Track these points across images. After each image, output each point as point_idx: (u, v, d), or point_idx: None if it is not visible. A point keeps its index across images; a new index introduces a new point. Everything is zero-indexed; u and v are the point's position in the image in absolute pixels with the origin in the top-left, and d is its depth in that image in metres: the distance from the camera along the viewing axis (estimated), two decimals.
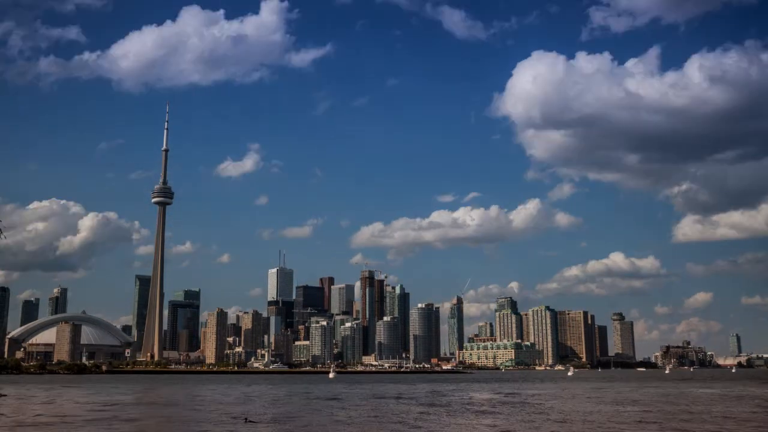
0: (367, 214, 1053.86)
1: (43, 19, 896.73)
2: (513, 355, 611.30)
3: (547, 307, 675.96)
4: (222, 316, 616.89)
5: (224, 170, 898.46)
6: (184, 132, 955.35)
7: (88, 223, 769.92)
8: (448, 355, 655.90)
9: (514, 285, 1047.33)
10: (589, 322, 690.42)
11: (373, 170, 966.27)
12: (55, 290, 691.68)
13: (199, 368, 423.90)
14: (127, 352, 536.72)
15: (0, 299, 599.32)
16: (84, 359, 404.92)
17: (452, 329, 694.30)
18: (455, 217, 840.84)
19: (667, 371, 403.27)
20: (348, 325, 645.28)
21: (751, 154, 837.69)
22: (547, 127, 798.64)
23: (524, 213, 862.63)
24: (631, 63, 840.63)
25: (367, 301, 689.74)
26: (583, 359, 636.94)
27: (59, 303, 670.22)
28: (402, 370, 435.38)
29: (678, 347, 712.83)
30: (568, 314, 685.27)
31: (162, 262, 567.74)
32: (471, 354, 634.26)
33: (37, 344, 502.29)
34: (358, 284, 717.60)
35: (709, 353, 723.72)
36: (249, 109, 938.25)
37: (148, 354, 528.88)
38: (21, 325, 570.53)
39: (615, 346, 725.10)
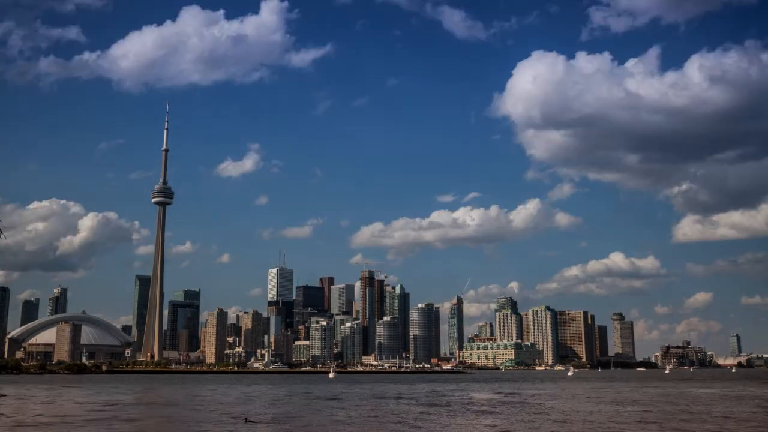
0: (367, 214, 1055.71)
1: (43, 19, 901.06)
2: (513, 355, 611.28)
3: (547, 307, 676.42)
4: (222, 316, 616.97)
5: (224, 170, 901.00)
6: (184, 132, 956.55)
7: (88, 223, 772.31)
8: (448, 355, 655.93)
9: (514, 285, 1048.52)
10: (589, 322, 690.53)
11: (373, 170, 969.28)
12: (55, 290, 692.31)
13: (199, 368, 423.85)
14: (127, 352, 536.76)
15: (0, 299, 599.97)
16: (84, 359, 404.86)
17: (452, 329, 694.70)
18: (455, 217, 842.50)
19: (667, 371, 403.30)
20: (348, 325, 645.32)
21: (751, 154, 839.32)
22: (547, 127, 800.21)
23: (524, 213, 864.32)
24: (630, 63, 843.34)
25: (367, 301, 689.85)
26: (583, 359, 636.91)
27: (59, 303, 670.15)
28: (402, 370, 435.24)
29: (678, 347, 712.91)
30: (568, 314, 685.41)
31: (162, 262, 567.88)
32: (471, 354, 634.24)
33: (37, 344, 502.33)
34: (358, 284, 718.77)
35: (709, 353, 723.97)
36: (249, 109, 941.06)
37: (148, 354, 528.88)
38: (21, 325, 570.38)
39: (615, 346, 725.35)
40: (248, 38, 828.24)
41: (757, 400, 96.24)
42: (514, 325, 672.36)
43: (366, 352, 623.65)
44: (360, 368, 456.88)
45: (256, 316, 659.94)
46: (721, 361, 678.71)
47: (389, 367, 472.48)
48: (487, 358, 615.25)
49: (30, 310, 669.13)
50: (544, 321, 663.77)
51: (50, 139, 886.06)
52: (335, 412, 74.51)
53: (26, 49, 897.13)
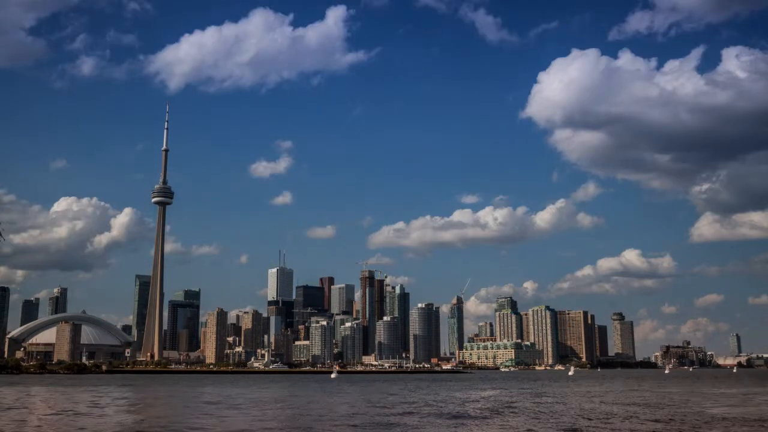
0: (391, 214, 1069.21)
1: (95, 22, 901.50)
2: (513, 354, 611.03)
3: (547, 307, 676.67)
4: (222, 316, 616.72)
5: (255, 170, 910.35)
6: (218, 132, 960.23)
7: (119, 222, 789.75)
8: (448, 354, 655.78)
9: (528, 285, 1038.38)
10: (589, 321, 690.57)
11: (399, 171, 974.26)
12: (56, 290, 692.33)
13: (199, 368, 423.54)
14: (127, 352, 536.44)
15: (0, 299, 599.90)
16: (84, 359, 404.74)
17: (452, 329, 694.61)
18: (477, 217, 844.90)
19: (667, 371, 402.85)
20: (348, 324, 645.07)
21: None
22: (578, 128, 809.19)
23: (549, 214, 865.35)
24: (666, 63, 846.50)
25: (367, 301, 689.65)
26: (583, 359, 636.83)
27: (59, 303, 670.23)
28: (403, 369, 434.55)
29: (678, 347, 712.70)
30: (568, 314, 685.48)
31: (162, 262, 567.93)
32: (471, 354, 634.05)
33: (37, 344, 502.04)
34: (358, 284, 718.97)
35: (709, 353, 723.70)
36: (286, 111, 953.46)
37: (148, 354, 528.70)
38: (21, 325, 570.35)
39: (615, 345, 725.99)
40: (303, 42, 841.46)
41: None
42: (514, 324, 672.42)
43: (366, 352, 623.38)
44: (360, 368, 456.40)
45: (256, 316, 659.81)
46: (721, 361, 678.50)
47: (389, 367, 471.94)
48: (487, 358, 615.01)
49: (30, 309, 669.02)
50: (544, 321, 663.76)
51: (82, 139, 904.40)
52: None
53: (79, 50, 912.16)
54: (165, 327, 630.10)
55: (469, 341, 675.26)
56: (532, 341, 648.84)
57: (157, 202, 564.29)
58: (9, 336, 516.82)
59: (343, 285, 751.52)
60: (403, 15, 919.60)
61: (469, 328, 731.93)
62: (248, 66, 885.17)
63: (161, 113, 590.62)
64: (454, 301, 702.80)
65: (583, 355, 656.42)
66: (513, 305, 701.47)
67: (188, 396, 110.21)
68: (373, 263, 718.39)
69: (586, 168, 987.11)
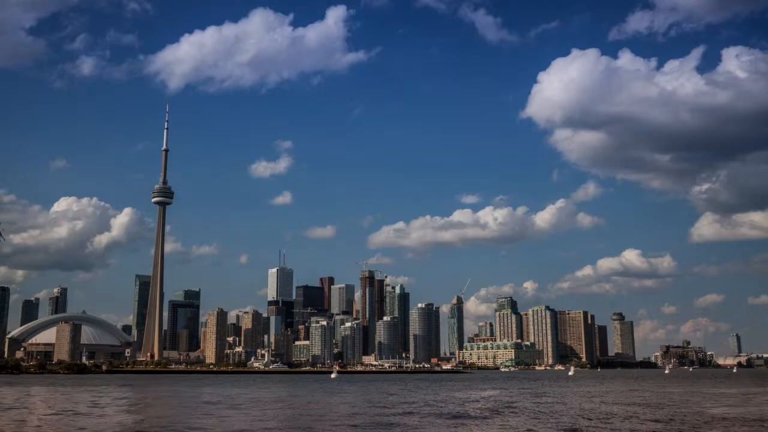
0: (391, 214, 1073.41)
1: (95, 22, 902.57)
2: (513, 354, 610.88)
3: (547, 307, 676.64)
4: (222, 316, 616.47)
5: (255, 170, 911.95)
6: (217, 132, 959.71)
7: (119, 222, 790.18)
8: (448, 354, 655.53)
9: (528, 285, 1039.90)
10: (589, 321, 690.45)
11: (400, 171, 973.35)
12: (56, 290, 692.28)
13: (199, 368, 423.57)
14: (127, 352, 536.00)
15: (0, 299, 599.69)
16: (84, 359, 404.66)
17: (452, 329, 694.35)
18: (477, 217, 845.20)
19: (666, 371, 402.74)
20: (348, 325, 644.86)
21: None
22: (578, 128, 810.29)
23: (549, 214, 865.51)
24: (666, 63, 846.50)
25: (367, 301, 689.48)
26: (583, 359, 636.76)
27: (59, 303, 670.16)
28: (403, 369, 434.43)
29: (678, 347, 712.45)
30: (568, 314, 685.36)
31: (162, 262, 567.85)
32: (471, 354, 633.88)
33: (37, 344, 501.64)
34: (358, 284, 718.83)
35: (709, 353, 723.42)
36: (286, 111, 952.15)
37: (148, 354, 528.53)
38: (21, 325, 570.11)
39: (615, 345, 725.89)
40: (303, 42, 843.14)
41: None
42: (514, 324, 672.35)
43: (366, 352, 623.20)
44: (360, 368, 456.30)
45: (256, 316, 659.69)
46: (721, 361, 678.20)
47: (389, 366, 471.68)
48: (487, 358, 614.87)
49: (30, 309, 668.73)
50: (544, 321, 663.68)
51: (82, 139, 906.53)
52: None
53: (78, 51, 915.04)
54: (165, 327, 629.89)
55: (469, 341, 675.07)
56: (532, 341, 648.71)
57: (157, 202, 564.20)
58: (9, 336, 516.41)
59: (343, 285, 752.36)
60: (403, 15, 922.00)
61: (469, 328, 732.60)
62: (248, 66, 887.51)
63: (161, 113, 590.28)
64: (454, 301, 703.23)
65: (583, 355, 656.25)
66: (513, 305, 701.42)
67: (188, 396, 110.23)
68: (373, 263, 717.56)
69: (586, 168, 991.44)
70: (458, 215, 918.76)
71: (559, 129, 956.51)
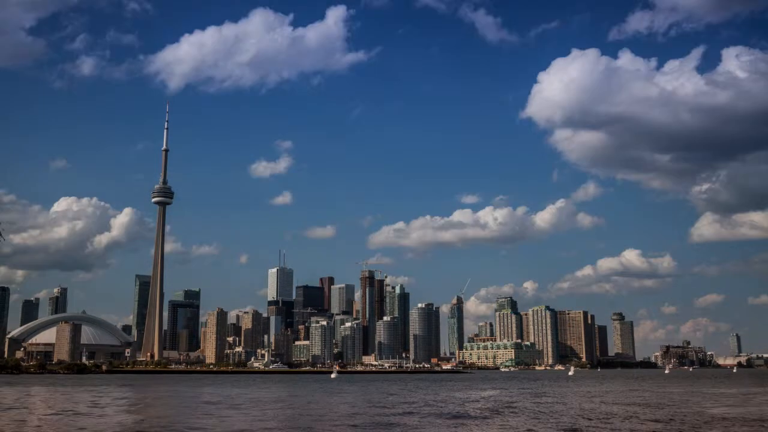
0: (391, 214, 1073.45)
1: (95, 22, 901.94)
2: (513, 354, 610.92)
3: (547, 307, 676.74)
4: (222, 316, 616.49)
5: (255, 170, 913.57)
6: (218, 132, 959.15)
7: (119, 221, 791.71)
8: (448, 354, 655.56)
9: (528, 285, 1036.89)
10: (589, 321, 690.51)
11: (400, 171, 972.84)
12: (56, 290, 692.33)
13: (199, 368, 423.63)
14: (127, 352, 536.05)
15: (0, 299, 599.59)
16: (84, 359, 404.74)
17: (452, 329, 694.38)
18: (477, 217, 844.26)
19: (666, 371, 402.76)
20: (348, 325, 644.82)
21: None
22: (578, 128, 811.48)
23: (549, 214, 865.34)
24: (666, 63, 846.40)
25: (367, 301, 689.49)
26: (583, 359, 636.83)
27: (59, 303, 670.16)
28: (403, 369, 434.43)
29: (678, 347, 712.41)
30: (568, 314, 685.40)
31: (162, 262, 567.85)
32: (471, 354, 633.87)
33: (37, 344, 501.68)
34: (358, 284, 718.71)
35: (709, 353, 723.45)
36: (286, 110, 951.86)
37: (148, 354, 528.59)
38: (21, 325, 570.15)
39: (615, 345, 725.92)
40: (303, 42, 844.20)
41: None
42: (514, 324, 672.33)
43: (366, 352, 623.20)
44: (360, 368, 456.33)
45: (256, 316, 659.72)
46: (721, 361, 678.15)
47: (389, 366, 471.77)
48: (487, 358, 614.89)
49: (30, 309, 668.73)
50: (544, 321, 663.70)
51: (82, 139, 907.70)
52: None
53: (79, 51, 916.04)
54: (165, 327, 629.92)
55: (469, 341, 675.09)
56: (532, 341, 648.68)
57: (157, 202, 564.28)
58: (9, 336, 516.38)
59: (343, 285, 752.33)
60: (402, 15, 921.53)
61: (470, 328, 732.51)
62: (248, 66, 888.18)
63: (161, 113, 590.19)
64: (454, 301, 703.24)
65: (583, 355, 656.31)
66: (513, 305, 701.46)
67: (188, 396, 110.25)
68: (373, 263, 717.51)
69: (586, 168, 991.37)
70: (458, 215, 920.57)
71: (559, 129, 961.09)
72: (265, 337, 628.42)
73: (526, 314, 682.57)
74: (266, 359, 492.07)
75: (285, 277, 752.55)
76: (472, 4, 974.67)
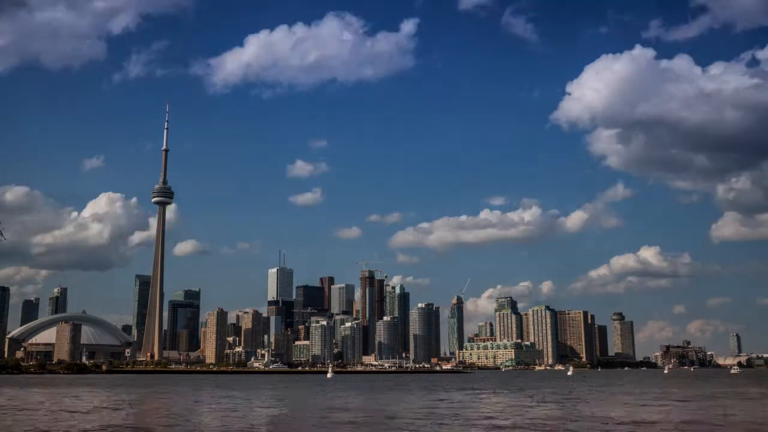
0: (417, 215, 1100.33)
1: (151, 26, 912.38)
2: (513, 354, 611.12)
3: (547, 307, 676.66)
4: (222, 315, 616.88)
5: (291, 170, 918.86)
6: (250, 133, 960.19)
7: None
8: (448, 354, 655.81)
9: (546, 285, 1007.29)
10: (589, 321, 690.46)
11: (431, 171, 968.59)
12: (56, 290, 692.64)
13: (199, 368, 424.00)
14: (127, 352, 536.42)
15: (0, 299, 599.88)
16: (84, 359, 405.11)
17: (452, 329, 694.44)
18: (504, 218, 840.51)
19: (666, 371, 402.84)
20: (348, 324, 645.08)
21: None
22: (609, 129, 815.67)
23: (578, 215, 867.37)
24: (702, 64, 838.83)
25: (367, 300, 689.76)
26: (583, 359, 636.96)
27: (59, 303, 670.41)
28: (403, 369, 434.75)
29: (678, 347, 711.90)
30: (568, 314, 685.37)
31: (162, 262, 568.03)
32: (471, 354, 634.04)
33: (37, 344, 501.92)
34: (358, 284, 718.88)
35: (709, 353, 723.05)
36: (321, 113, 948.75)
37: (148, 354, 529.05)
38: (21, 325, 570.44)
39: (615, 345, 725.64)
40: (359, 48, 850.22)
41: None
42: (514, 324, 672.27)
43: (366, 352, 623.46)
44: (360, 368, 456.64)
45: (256, 316, 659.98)
46: (721, 361, 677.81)
47: (389, 367, 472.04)
48: (487, 358, 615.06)
49: (30, 309, 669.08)
50: (543, 321, 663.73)
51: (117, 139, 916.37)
52: None
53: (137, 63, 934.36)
54: (165, 327, 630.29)
55: (469, 341, 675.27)
56: (532, 341, 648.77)
57: (157, 202, 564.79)
58: (9, 336, 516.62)
59: (343, 285, 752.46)
60: (442, 22, 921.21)
61: (470, 329, 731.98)
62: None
63: (162, 113, 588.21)
64: (454, 301, 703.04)
65: (583, 355, 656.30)
66: (513, 305, 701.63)
67: (188, 396, 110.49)
68: (373, 263, 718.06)
69: (617, 169, 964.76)
70: (485, 216, 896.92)
71: (592, 130, 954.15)
72: (265, 337, 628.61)
73: (526, 314, 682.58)
74: (266, 359, 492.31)
75: (285, 277, 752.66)
76: (510, 9, 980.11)
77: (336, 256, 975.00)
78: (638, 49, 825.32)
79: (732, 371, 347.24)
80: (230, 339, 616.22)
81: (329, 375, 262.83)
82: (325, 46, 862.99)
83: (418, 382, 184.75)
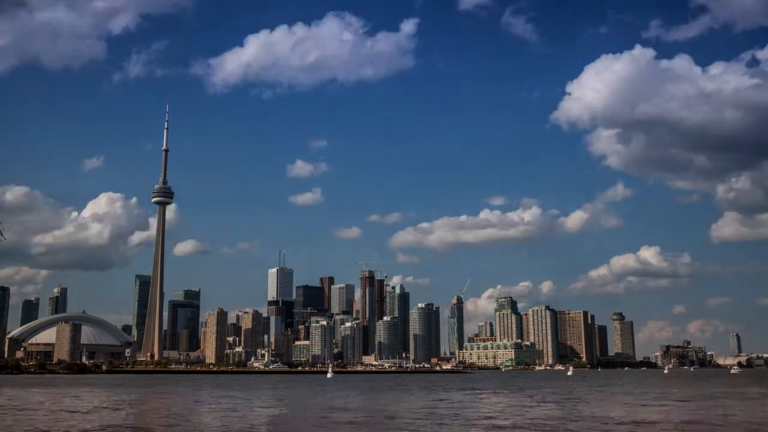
0: (416, 216, 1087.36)
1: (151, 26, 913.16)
2: (513, 354, 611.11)
3: (547, 307, 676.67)
4: (222, 315, 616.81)
5: (291, 170, 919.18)
6: (251, 132, 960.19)
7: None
8: (448, 354, 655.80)
9: (546, 285, 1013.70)
10: (589, 321, 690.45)
11: (429, 172, 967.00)
12: (56, 290, 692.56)
13: (199, 368, 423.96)
14: (127, 352, 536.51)
15: (0, 299, 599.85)
16: (84, 359, 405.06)
17: (452, 329, 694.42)
18: (503, 218, 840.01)
19: (666, 371, 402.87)
20: (348, 324, 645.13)
21: None
22: (609, 129, 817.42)
23: (578, 216, 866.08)
24: (702, 64, 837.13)
25: (367, 300, 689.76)
26: (583, 359, 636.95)
27: (59, 303, 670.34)
28: (403, 369, 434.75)
29: (678, 347, 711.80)
30: (568, 314, 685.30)
31: (162, 262, 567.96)
32: (471, 354, 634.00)
33: (37, 344, 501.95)
34: (358, 284, 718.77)
35: (709, 353, 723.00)
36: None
37: (148, 354, 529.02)
38: (21, 325, 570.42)
39: (615, 345, 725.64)
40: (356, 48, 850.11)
41: None
42: (514, 324, 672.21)
43: (366, 352, 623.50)
44: (360, 368, 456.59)
45: (256, 315, 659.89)
46: (721, 361, 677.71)
47: (389, 367, 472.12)
48: (487, 358, 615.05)
49: (30, 309, 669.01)
50: (543, 321, 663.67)
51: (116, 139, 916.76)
52: None
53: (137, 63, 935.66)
54: (165, 327, 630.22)
55: (469, 341, 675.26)
56: (532, 341, 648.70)
57: (157, 202, 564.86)
58: (9, 336, 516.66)
59: (343, 285, 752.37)
60: (442, 22, 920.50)
61: (470, 329, 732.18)
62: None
63: (162, 113, 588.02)
64: (454, 301, 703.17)
65: (583, 355, 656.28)
66: (513, 305, 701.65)
67: (188, 396, 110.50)
68: (373, 262, 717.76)
69: (617, 169, 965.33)
70: (485, 216, 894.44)
71: (591, 130, 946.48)
72: (265, 337, 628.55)
73: (526, 314, 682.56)
74: (266, 359, 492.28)
75: (285, 277, 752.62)
76: (509, 9, 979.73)
77: (336, 256, 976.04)
78: (638, 49, 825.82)
79: (732, 371, 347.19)
80: (230, 339, 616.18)
81: (329, 375, 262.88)
82: (325, 46, 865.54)
83: (418, 382, 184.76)
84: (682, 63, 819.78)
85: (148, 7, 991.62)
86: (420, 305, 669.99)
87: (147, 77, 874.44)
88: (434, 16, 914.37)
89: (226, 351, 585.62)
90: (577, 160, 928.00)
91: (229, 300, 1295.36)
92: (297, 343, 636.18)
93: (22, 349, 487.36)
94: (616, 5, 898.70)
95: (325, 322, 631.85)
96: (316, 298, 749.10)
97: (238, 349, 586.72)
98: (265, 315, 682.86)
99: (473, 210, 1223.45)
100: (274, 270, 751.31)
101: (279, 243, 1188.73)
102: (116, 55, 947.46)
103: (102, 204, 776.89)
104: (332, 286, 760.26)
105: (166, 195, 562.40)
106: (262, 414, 71.74)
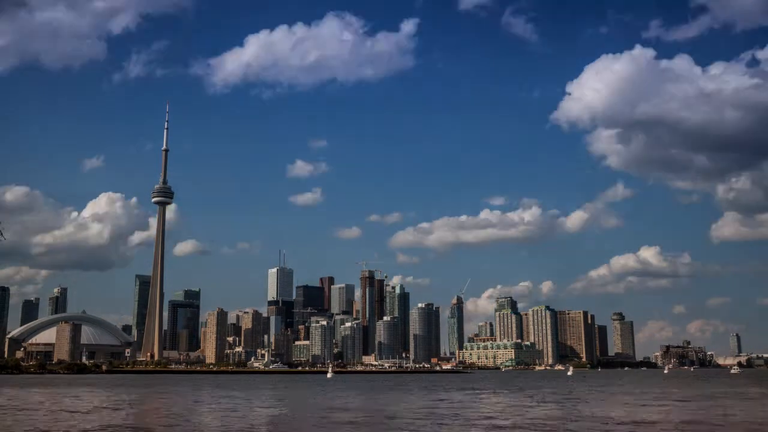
0: (416, 216, 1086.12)
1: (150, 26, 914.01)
2: (513, 354, 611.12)
3: (547, 307, 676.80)
4: (222, 315, 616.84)
5: (291, 170, 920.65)
6: (252, 132, 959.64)
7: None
8: (448, 354, 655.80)
9: (546, 285, 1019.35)
10: (589, 321, 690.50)
11: (429, 172, 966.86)
12: (56, 290, 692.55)
13: (199, 368, 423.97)
14: (127, 352, 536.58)
15: (0, 299, 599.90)
16: (84, 359, 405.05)
17: (452, 329, 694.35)
18: (504, 218, 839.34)
19: (666, 371, 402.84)
20: (348, 324, 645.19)
21: None
22: (609, 129, 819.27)
23: (578, 216, 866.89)
24: (702, 64, 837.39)
25: (367, 300, 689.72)
26: (583, 359, 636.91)
27: (59, 303, 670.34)
28: (403, 369, 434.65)
29: (678, 347, 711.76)
30: (568, 314, 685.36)
31: (162, 262, 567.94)
32: (471, 354, 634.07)
33: (37, 344, 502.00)
34: (358, 284, 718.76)
35: (709, 353, 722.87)
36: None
37: (148, 354, 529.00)
38: (21, 325, 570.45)
39: (615, 345, 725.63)
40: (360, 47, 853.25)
41: None
42: (514, 324, 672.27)
43: (366, 352, 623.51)
44: (360, 368, 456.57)
45: (256, 316, 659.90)
46: (721, 361, 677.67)
47: (389, 367, 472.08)
48: (487, 358, 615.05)
49: (30, 309, 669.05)
50: (543, 321, 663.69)
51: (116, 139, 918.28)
52: None
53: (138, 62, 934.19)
54: (165, 327, 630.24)
55: (469, 341, 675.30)
56: (532, 341, 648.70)
57: (157, 202, 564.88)
58: (9, 336, 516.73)
59: (343, 285, 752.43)
60: (442, 22, 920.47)
61: (470, 329, 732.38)
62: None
63: (162, 113, 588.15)
64: (454, 301, 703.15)
65: (583, 355, 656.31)
66: (513, 305, 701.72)
67: (188, 396, 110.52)
68: (373, 262, 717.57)
69: (617, 169, 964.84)
70: (485, 216, 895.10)
71: (591, 130, 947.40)
72: (265, 337, 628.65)
73: (526, 314, 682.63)
74: (266, 359, 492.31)
75: (285, 277, 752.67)
76: (510, 9, 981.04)
77: (336, 256, 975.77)
78: (638, 49, 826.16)
79: (732, 371, 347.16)
80: (230, 339, 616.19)
81: (329, 375, 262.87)
82: (325, 46, 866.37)
83: (418, 382, 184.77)
84: (682, 63, 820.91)
85: (148, 7, 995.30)
86: (420, 305, 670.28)
87: (147, 77, 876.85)
88: (434, 16, 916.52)
89: (226, 351, 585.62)
90: (577, 160, 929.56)
91: (229, 300, 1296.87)
92: (297, 343, 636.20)
93: (22, 349, 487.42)
94: (616, 5, 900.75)
95: (325, 322, 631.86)
96: (316, 298, 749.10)
97: (238, 349, 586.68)
98: (265, 315, 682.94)
99: (473, 210, 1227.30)
100: (274, 270, 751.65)
101: (279, 243, 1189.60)
102: (116, 55, 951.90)
103: (102, 204, 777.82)
104: (332, 286, 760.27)
105: (166, 195, 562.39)
106: (262, 414, 71.77)
